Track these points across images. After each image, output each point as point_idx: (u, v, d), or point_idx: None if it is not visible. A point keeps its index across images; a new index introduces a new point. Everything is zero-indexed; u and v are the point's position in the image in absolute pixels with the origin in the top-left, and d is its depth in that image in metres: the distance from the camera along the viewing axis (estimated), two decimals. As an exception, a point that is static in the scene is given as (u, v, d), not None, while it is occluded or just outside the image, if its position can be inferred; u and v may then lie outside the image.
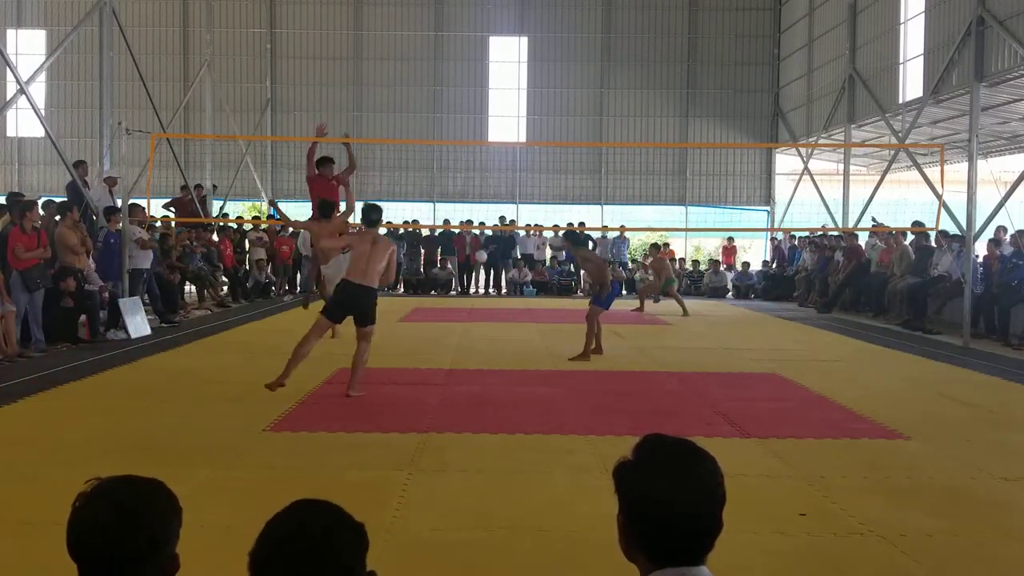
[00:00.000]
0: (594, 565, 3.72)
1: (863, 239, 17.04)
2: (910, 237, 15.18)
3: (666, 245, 22.96)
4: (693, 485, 1.55)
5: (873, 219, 17.13)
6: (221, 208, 21.21)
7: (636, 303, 16.08)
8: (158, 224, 15.39)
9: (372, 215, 7.88)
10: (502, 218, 20.75)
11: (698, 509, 1.54)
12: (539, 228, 20.86)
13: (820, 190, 20.15)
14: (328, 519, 1.49)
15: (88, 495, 1.53)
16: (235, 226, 19.17)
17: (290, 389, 7.44)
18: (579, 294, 19.93)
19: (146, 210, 13.40)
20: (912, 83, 16.03)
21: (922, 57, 15.35)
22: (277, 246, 18.55)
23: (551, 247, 21.05)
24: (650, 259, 17.46)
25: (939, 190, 13.53)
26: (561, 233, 10.27)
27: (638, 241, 24.68)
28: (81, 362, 8.87)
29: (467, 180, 23.84)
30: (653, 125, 23.74)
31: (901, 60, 16.51)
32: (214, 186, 20.97)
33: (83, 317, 10.34)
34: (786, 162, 24.12)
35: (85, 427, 6.01)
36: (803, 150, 21.23)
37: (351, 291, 7.36)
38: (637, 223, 22.95)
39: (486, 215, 21.31)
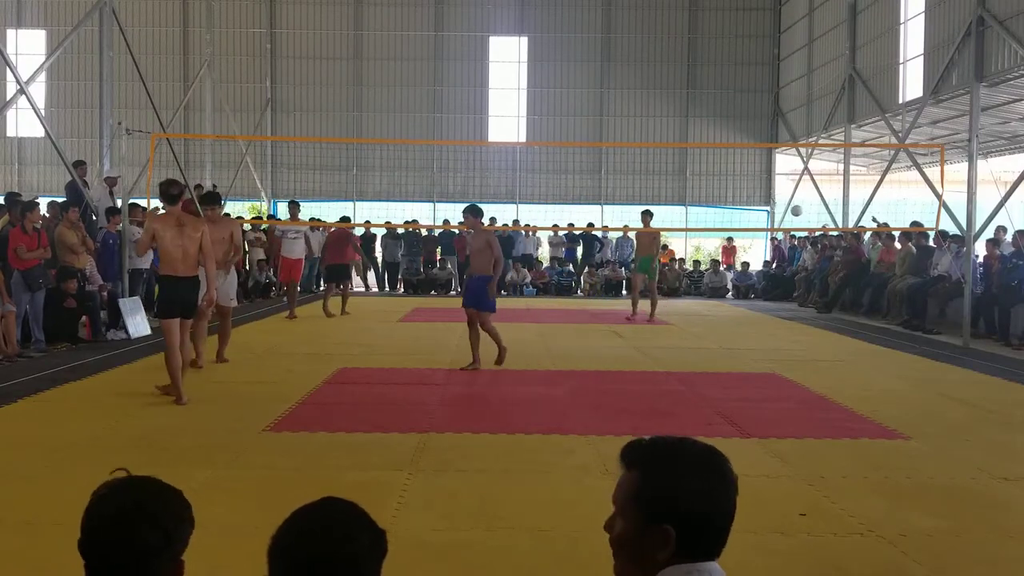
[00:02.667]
0: (594, 565, 3.72)
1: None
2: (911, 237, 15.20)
3: (664, 247, 22.94)
4: (731, 479, 1.59)
5: (874, 219, 17.14)
6: (221, 208, 21.19)
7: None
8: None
9: (171, 190, 6.89)
10: (492, 219, 20.73)
11: (731, 504, 1.58)
12: (533, 228, 20.87)
13: (820, 190, 20.15)
14: (351, 522, 1.50)
15: (109, 485, 1.56)
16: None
17: (290, 389, 7.45)
18: (579, 294, 19.96)
19: (146, 210, 13.40)
20: (912, 83, 16.03)
21: (922, 57, 15.34)
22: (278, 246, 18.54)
23: (550, 244, 21.07)
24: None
25: (939, 190, 13.53)
26: (464, 207, 9.17)
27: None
28: (81, 362, 8.87)
29: (467, 180, 23.85)
30: (653, 125, 23.74)
31: (901, 60, 16.50)
32: (214, 186, 20.95)
33: (84, 317, 10.35)
34: (786, 162, 24.12)
35: (85, 427, 6.01)
36: (803, 150, 21.23)
37: (173, 286, 6.86)
38: (638, 223, 22.88)
39: (486, 215, 21.26)
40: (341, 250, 14.28)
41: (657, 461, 1.58)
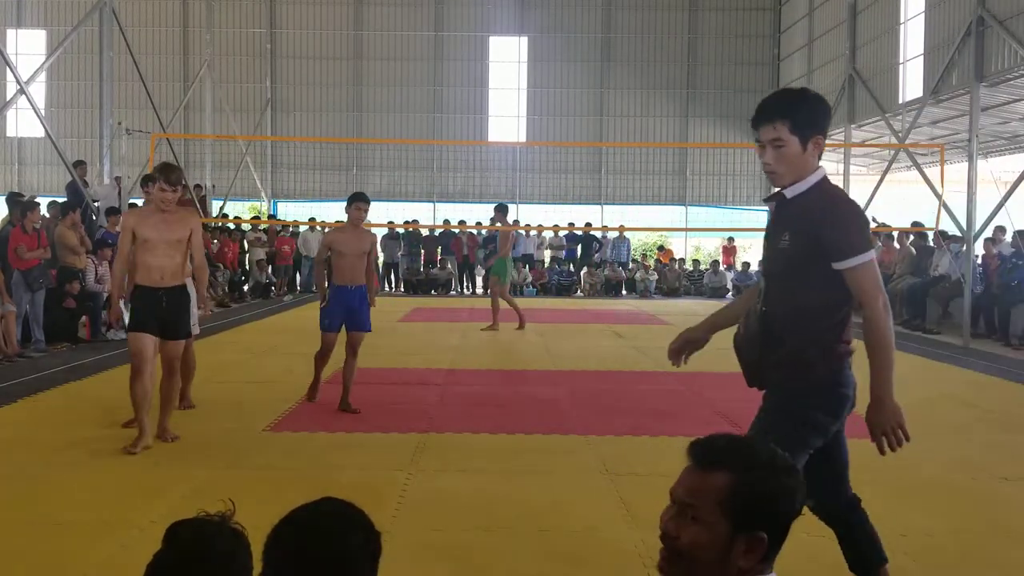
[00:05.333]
0: (594, 565, 3.72)
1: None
2: (910, 237, 15.19)
3: (660, 248, 22.98)
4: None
5: (873, 219, 17.14)
6: (221, 208, 21.23)
7: (633, 304, 16.01)
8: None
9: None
10: (493, 220, 20.68)
11: None
12: (540, 228, 20.88)
13: (820, 190, 20.12)
14: (342, 521, 1.52)
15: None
16: (232, 227, 19.15)
17: (290, 389, 7.44)
18: (579, 294, 19.96)
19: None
20: (912, 83, 16.03)
21: (922, 57, 15.35)
22: (278, 246, 18.56)
23: (550, 247, 21.07)
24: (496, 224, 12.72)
25: (939, 190, 13.53)
26: (353, 194, 7.04)
27: (638, 241, 24.69)
28: (81, 362, 8.86)
29: (467, 180, 23.85)
30: (653, 125, 23.75)
31: (901, 60, 16.51)
32: (213, 186, 20.98)
33: (84, 317, 10.35)
34: (786, 162, 24.06)
35: (85, 427, 6.00)
36: (803, 150, 21.19)
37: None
38: (640, 223, 22.92)
39: (486, 215, 21.29)
40: None
41: (754, 462, 1.47)
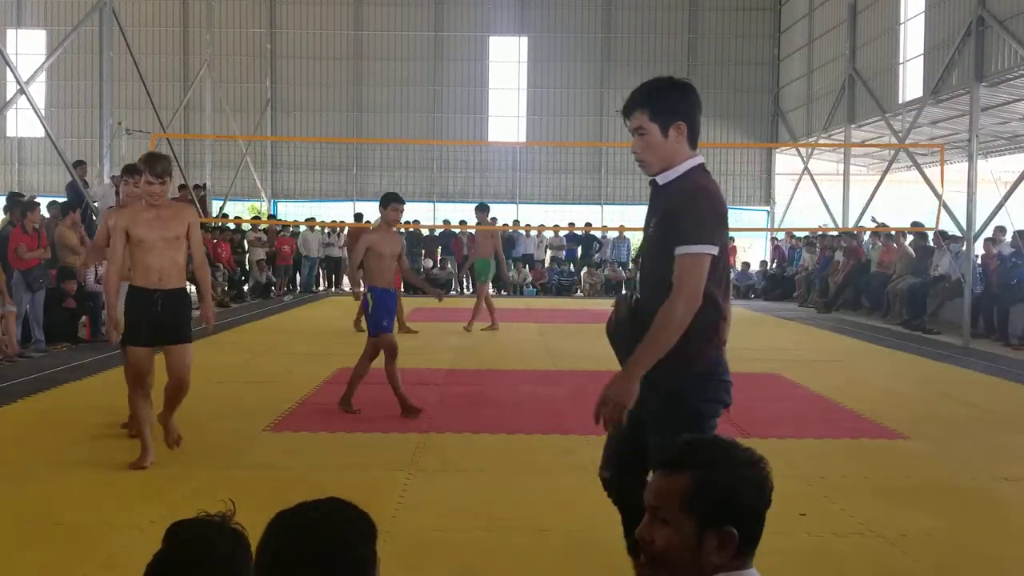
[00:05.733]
0: (594, 565, 3.73)
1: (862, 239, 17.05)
2: (909, 238, 15.19)
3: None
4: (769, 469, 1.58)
5: (873, 219, 17.13)
6: (221, 208, 21.25)
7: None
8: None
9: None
10: (493, 219, 20.65)
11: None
12: (540, 228, 20.87)
13: (820, 190, 20.15)
14: (341, 519, 1.52)
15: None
16: (232, 227, 19.14)
17: (290, 389, 7.45)
18: (579, 294, 19.96)
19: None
20: (912, 83, 16.03)
21: (922, 57, 15.35)
22: (278, 246, 18.55)
23: (550, 247, 21.07)
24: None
25: (939, 190, 13.54)
26: (386, 194, 6.84)
27: (638, 241, 24.69)
28: (81, 362, 8.86)
29: (467, 180, 23.84)
30: (653, 125, 23.70)
31: (901, 60, 16.51)
32: (212, 185, 21.01)
33: (84, 317, 10.36)
34: (786, 162, 24.11)
35: (85, 427, 6.00)
36: (803, 150, 21.22)
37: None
38: (640, 223, 22.91)
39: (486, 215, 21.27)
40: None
41: (713, 460, 1.53)
